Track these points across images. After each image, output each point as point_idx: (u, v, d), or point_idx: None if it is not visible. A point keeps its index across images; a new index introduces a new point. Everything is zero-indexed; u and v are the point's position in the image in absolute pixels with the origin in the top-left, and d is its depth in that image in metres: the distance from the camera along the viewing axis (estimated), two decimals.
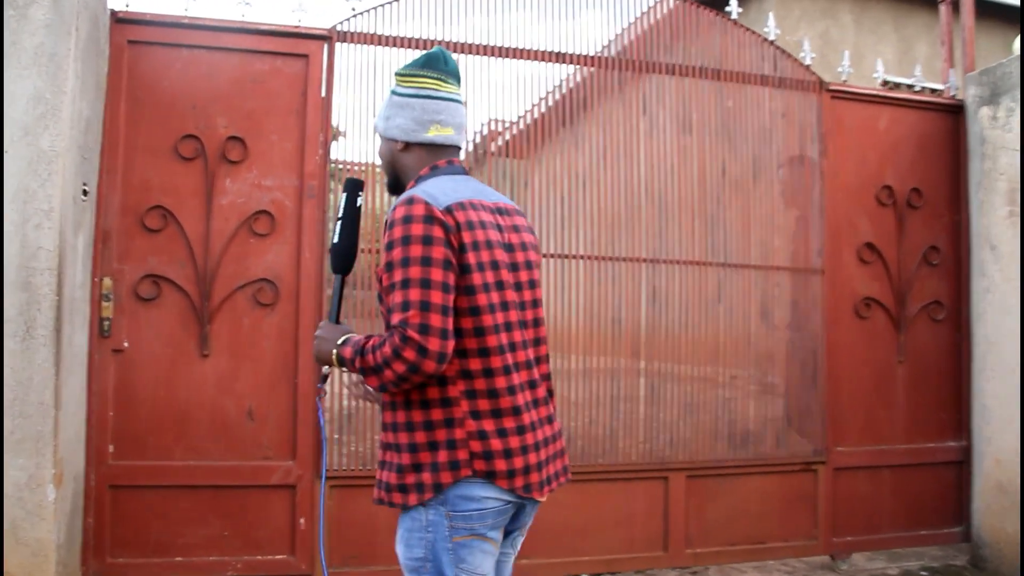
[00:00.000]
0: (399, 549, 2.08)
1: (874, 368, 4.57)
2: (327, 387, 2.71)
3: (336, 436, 3.96)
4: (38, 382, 3.17)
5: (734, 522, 4.34)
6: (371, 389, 2.22)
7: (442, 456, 2.02)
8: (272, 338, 3.83)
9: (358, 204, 2.27)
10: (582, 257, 4.24)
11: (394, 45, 4.05)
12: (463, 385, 2.04)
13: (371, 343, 2.00)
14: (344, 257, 2.24)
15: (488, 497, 2.04)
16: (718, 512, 4.32)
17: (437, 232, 1.99)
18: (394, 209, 2.02)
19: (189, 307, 3.75)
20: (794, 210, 4.48)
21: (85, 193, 3.50)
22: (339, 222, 2.23)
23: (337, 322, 2.20)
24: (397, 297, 1.96)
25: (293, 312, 3.83)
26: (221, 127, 3.82)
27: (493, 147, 4.18)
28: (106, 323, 3.67)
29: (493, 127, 4.16)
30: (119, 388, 3.70)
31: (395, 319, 1.95)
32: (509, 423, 2.04)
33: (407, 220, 1.98)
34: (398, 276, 1.96)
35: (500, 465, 2.02)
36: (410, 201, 2.00)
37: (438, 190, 2.05)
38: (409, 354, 1.91)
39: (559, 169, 4.24)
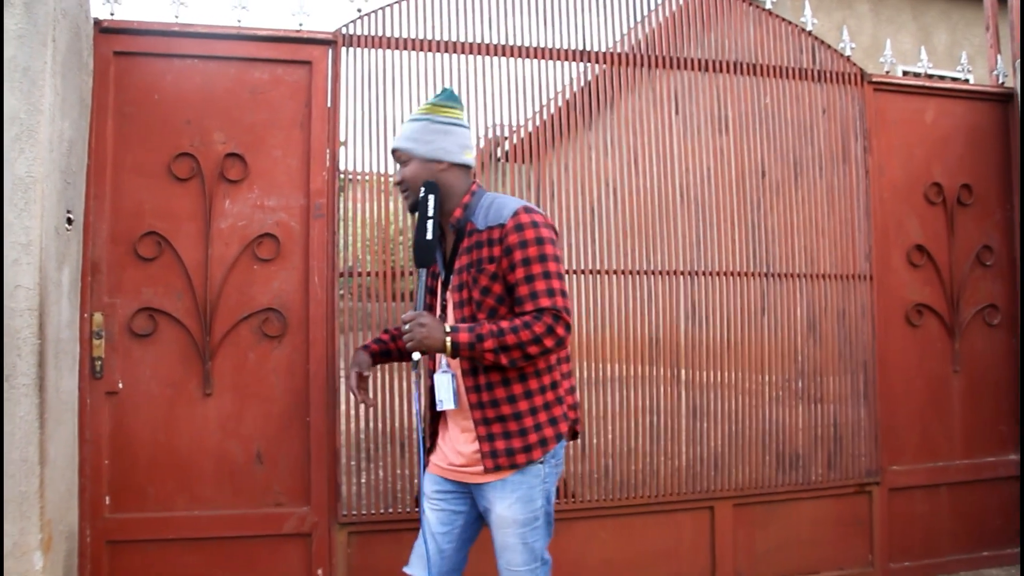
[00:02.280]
0: (515, 508, 2.52)
1: (928, 379, 4.27)
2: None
3: (353, 464, 3.62)
4: (20, 437, 2.82)
5: (785, 551, 4.03)
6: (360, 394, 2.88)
7: (556, 411, 2.57)
8: (281, 373, 3.50)
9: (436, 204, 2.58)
10: (615, 272, 3.91)
11: (404, 48, 3.72)
12: (555, 354, 2.59)
13: (508, 326, 2.43)
14: (434, 252, 2.58)
15: (563, 445, 2.65)
16: (768, 541, 4.01)
17: (554, 235, 2.55)
18: (516, 214, 2.50)
19: (189, 342, 3.43)
20: (839, 212, 4.16)
21: (70, 222, 3.16)
22: (430, 220, 2.55)
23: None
24: (540, 286, 2.46)
25: (303, 344, 3.50)
26: (219, 143, 3.49)
27: (513, 154, 3.84)
28: (98, 363, 3.34)
29: (513, 133, 3.83)
30: (114, 434, 3.37)
31: (544, 303, 2.44)
32: (574, 381, 2.75)
33: (535, 225, 2.49)
34: (538, 269, 2.46)
35: (579, 413, 2.69)
36: (528, 210, 2.52)
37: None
38: (561, 330, 2.45)
39: (587, 175, 3.91)
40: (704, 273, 3.99)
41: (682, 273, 3.97)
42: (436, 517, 2.72)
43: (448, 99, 2.70)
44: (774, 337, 4.06)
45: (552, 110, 3.85)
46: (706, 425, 3.95)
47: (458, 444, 2.63)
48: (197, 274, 3.43)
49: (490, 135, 3.82)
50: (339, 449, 3.54)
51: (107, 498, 3.35)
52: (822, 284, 4.13)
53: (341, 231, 3.64)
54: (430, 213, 2.55)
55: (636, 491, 3.85)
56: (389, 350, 3.06)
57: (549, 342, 2.43)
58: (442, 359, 2.68)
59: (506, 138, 3.83)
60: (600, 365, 3.86)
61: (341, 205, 3.65)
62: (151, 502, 3.39)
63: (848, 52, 4.20)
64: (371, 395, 3.53)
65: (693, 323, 3.97)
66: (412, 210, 2.63)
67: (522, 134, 3.83)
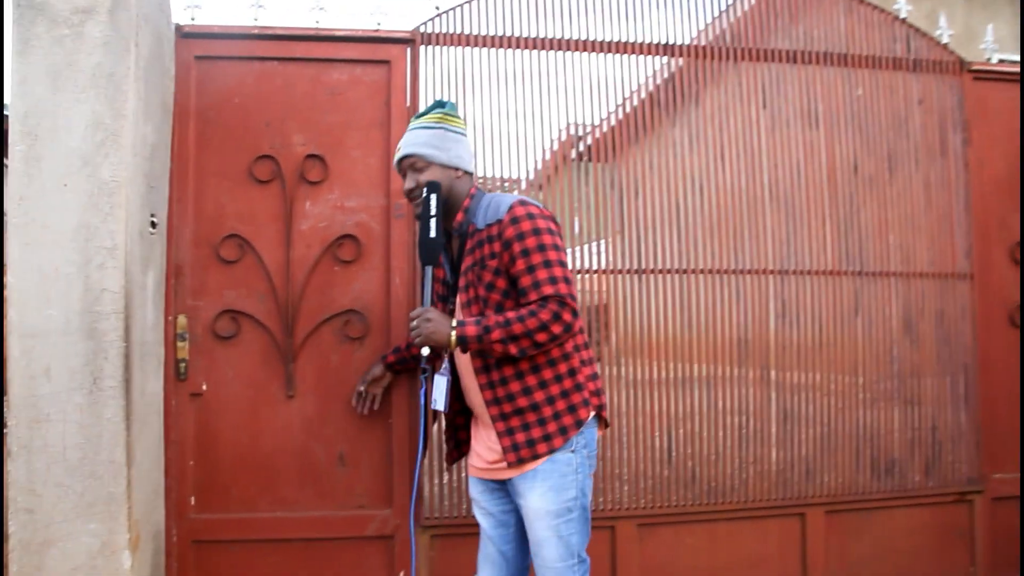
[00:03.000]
0: (548, 497, 2.52)
1: None
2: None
3: (431, 465, 3.59)
4: (108, 439, 2.85)
5: (880, 561, 3.86)
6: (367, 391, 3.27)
7: (576, 398, 2.57)
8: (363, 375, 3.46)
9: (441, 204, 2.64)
10: (702, 271, 3.79)
11: (483, 45, 3.66)
12: (572, 341, 2.61)
13: (514, 316, 2.47)
14: (438, 250, 2.66)
15: (596, 437, 2.65)
16: (862, 551, 3.85)
17: (553, 225, 2.58)
18: (511, 208, 2.55)
19: (271, 344, 3.43)
20: (936, 208, 3.97)
21: (154, 225, 3.19)
22: (433, 219, 2.60)
23: None
24: (542, 274, 2.48)
25: (384, 345, 3.46)
26: (298, 145, 3.48)
27: (595, 152, 3.76)
28: (182, 365, 3.36)
29: (594, 129, 3.74)
30: (198, 435, 3.39)
31: (547, 291, 2.47)
32: (596, 367, 2.72)
33: (532, 216, 2.54)
34: (538, 258, 2.49)
35: (603, 399, 2.68)
36: (523, 203, 2.57)
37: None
38: (568, 316, 2.46)
39: (671, 172, 3.79)
40: (794, 272, 3.84)
41: (771, 272, 3.83)
42: (487, 522, 2.80)
43: (454, 109, 2.83)
44: (868, 338, 3.89)
45: (634, 105, 3.74)
46: (797, 428, 3.81)
47: (490, 441, 2.68)
48: (278, 276, 3.43)
49: (571, 132, 3.74)
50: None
51: (192, 499, 3.37)
52: (919, 283, 3.95)
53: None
54: (433, 211, 2.61)
55: (724, 496, 3.73)
56: (405, 358, 3.25)
57: (556, 329, 2.47)
58: (445, 362, 2.78)
59: (582, 137, 3.75)
60: (686, 366, 3.76)
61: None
62: (235, 503, 3.40)
63: (945, 39, 4.00)
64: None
65: (783, 323, 3.83)
66: (419, 217, 2.67)
67: (603, 130, 3.74)
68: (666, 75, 3.80)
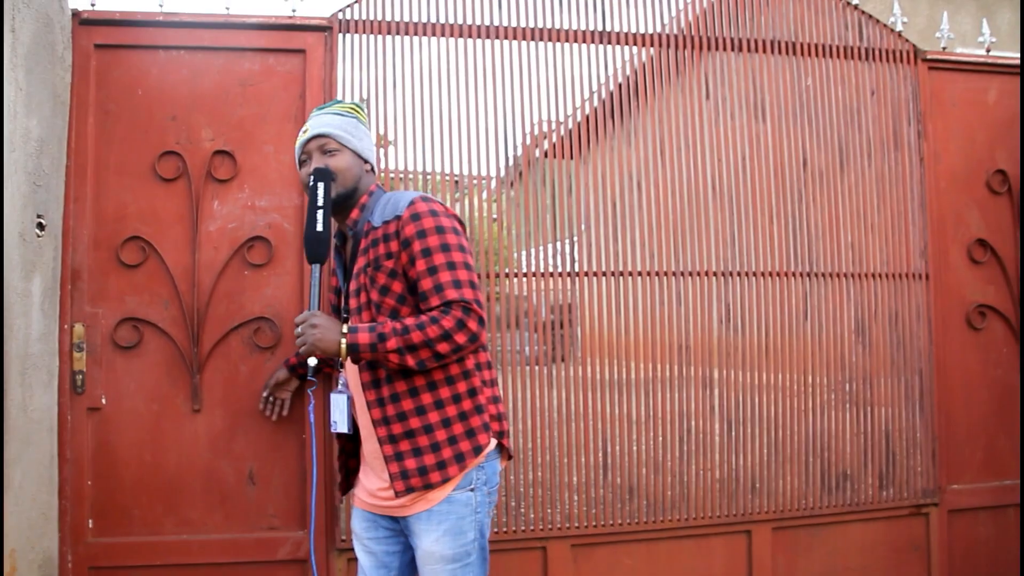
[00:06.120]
0: (444, 542, 2.28)
1: (993, 388, 3.84)
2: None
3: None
4: None
5: None
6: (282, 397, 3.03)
7: (475, 421, 2.33)
8: None
9: (331, 195, 2.40)
10: (639, 274, 3.58)
11: (407, 33, 3.44)
12: (474, 358, 2.39)
13: (413, 323, 2.22)
14: (326, 245, 2.40)
15: (498, 472, 2.42)
16: (812, 568, 3.64)
17: (458, 225, 2.37)
18: (411, 204, 2.33)
19: (176, 354, 3.20)
20: (890, 204, 3.77)
21: (41, 227, 2.94)
22: (320, 211, 2.37)
23: None
24: (445, 277, 2.25)
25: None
26: (206, 140, 3.25)
27: (526, 148, 3.54)
28: (79, 377, 3.12)
29: (531, 126, 3.52)
30: (97, 453, 3.15)
31: (450, 295, 2.23)
32: (498, 390, 2.48)
33: (435, 213, 2.32)
34: (440, 259, 2.26)
35: (505, 426, 2.43)
36: (425, 199, 2.35)
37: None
38: (473, 325, 2.23)
39: (607, 169, 3.58)
40: (739, 274, 3.65)
41: (715, 274, 3.63)
42: (368, 561, 2.54)
43: (360, 105, 2.68)
44: (819, 343, 3.70)
45: (568, 98, 3.53)
46: (742, 440, 3.61)
47: (377, 468, 2.44)
48: (184, 281, 3.21)
49: (503, 127, 3.51)
50: (337, 470, 3.27)
51: (90, 521, 3.14)
52: (872, 284, 3.75)
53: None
54: (319, 202, 2.38)
55: (663, 515, 3.52)
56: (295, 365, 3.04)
57: (460, 338, 2.23)
58: (340, 377, 2.54)
59: (524, 138, 3.53)
60: (623, 371, 3.56)
61: None
62: (137, 525, 3.17)
63: (900, 27, 3.80)
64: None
65: (727, 329, 3.63)
66: (313, 202, 2.43)
67: (537, 125, 3.52)
68: (602, 66, 3.57)
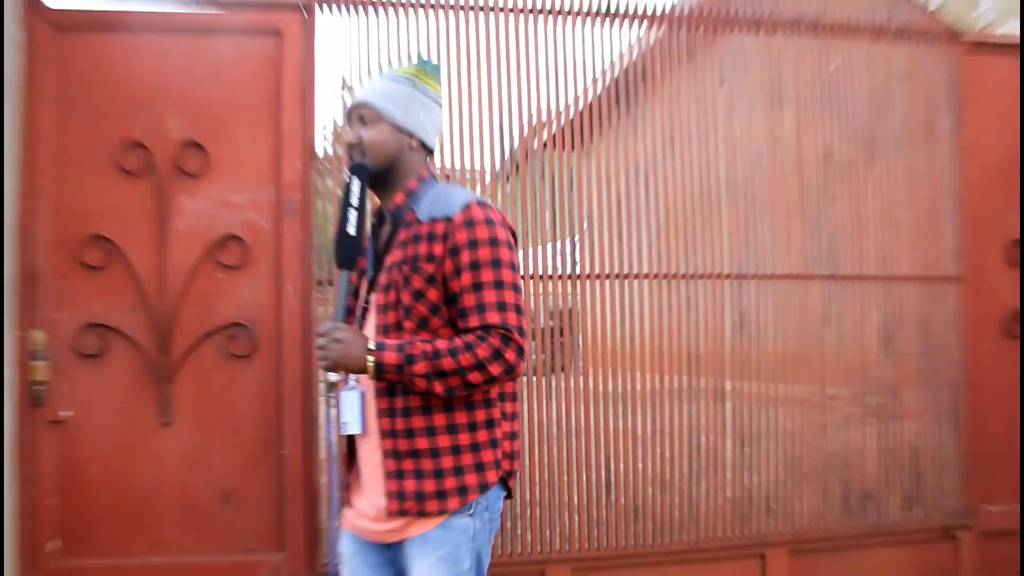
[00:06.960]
0: (438, 569, 2.11)
1: None
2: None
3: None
4: None
5: None
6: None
7: (487, 456, 2.15)
8: (250, 398, 3.10)
9: (367, 195, 2.20)
10: (646, 277, 3.43)
11: (392, 5, 3.25)
12: (499, 387, 2.20)
13: (445, 347, 2.04)
14: (356, 250, 2.19)
15: (501, 498, 2.24)
16: None
17: (511, 239, 2.17)
18: (467, 208, 2.10)
19: (144, 363, 3.03)
20: (921, 201, 3.61)
21: None
22: (354, 212, 2.16)
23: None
24: (489, 297, 2.06)
25: (274, 364, 3.08)
26: (174, 130, 3.07)
27: (524, 138, 3.36)
28: (38, 389, 2.94)
29: (529, 113, 3.35)
30: (62, 469, 3.00)
31: (492, 318, 2.05)
32: (517, 426, 2.28)
33: (491, 223, 2.11)
34: (488, 276, 2.07)
35: (516, 466, 2.26)
36: (482, 204, 2.13)
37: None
38: (511, 355, 2.05)
39: (612, 162, 3.41)
40: (754, 277, 3.51)
41: (728, 277, 3.49)
42: None
43: (435, 71, 2.35)
44: (840, 351, 3.56)
45: (571, 80, 3.36)
46: (757, 456, 3.45)
47: (372, 482, 2.22)
48: (151, 284, 3.04)
49: (502, 113, 3.32)
50: (318, 487, 3.13)
51: (54, 543, 2.98)
52: (899, 288, 3.61)
53: (319, 231, 3.23)
54: (354, 202, 2.16)
55: (672, 536, 3.36)
56: None
57: (495, 369, 2.04)
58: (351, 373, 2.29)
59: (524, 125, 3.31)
60: (629, 384, 3.40)
61: (319, 200, 3.23)
62: (105, 547, 3.04)
63: (933, 6, 3.57)
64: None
65: (740, 336, 3.47)
66: (345, 199, 2.20)
67: (538, 113, 3.34)
68: (608, 47, 3.39)
